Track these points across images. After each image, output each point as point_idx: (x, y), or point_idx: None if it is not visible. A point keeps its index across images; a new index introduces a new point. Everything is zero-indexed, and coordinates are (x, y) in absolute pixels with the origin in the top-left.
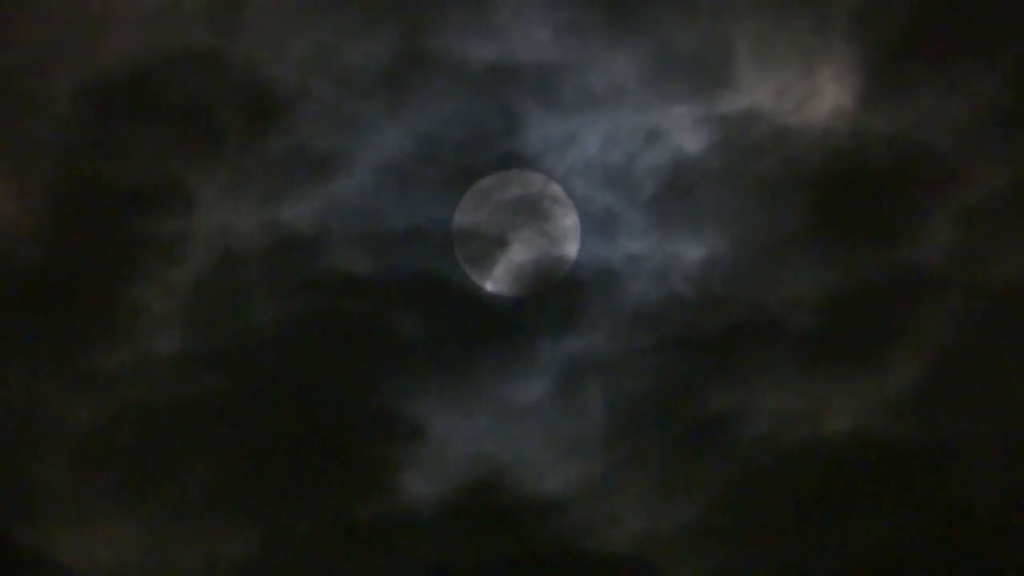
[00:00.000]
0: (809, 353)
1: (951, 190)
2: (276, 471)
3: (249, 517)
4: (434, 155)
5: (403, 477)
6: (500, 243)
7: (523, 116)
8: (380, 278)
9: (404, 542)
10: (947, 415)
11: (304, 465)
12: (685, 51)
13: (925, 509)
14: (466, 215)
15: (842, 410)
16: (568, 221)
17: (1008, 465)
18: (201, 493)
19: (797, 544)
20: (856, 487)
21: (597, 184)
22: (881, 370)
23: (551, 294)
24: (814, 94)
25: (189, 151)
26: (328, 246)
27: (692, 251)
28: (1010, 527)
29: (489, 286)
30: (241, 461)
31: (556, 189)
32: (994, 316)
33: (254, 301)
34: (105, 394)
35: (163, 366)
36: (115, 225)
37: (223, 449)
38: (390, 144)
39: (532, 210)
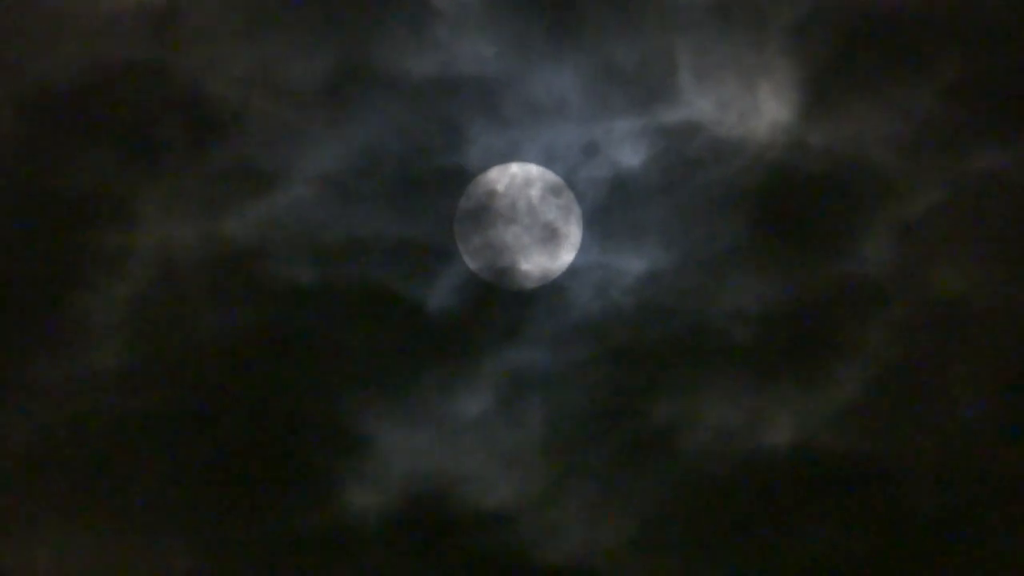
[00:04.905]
0: (751, 366)
1: (890, 204)
2: (220, 484)
3: (194, 530)
4: (376, 168)
5: (348, 490)
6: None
7: (465, 129)
8: (323, 291)
9: (349, 555)
10: (888, 428)
11: (248, 478)
12: (627, 65)
13: (866, 521)
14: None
15: (784, 423)
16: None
17: (948, 478)
18: (145, 506)
19: (739, 556)
20: (798, 500)
21: (539, 197)
22: (822, 383)
23: (495, 307)
24: (754, 108)
25: (131, 164)
26: (271, 259)
27: (634, 264)
28: (951, 541)
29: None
30: (185, 474)
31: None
32: (934, 329)
33: (196, 314)
34: (47, 407)
35: (105, 379)
36: (56, 238)
37: (167, 462)
38: (332, 158)
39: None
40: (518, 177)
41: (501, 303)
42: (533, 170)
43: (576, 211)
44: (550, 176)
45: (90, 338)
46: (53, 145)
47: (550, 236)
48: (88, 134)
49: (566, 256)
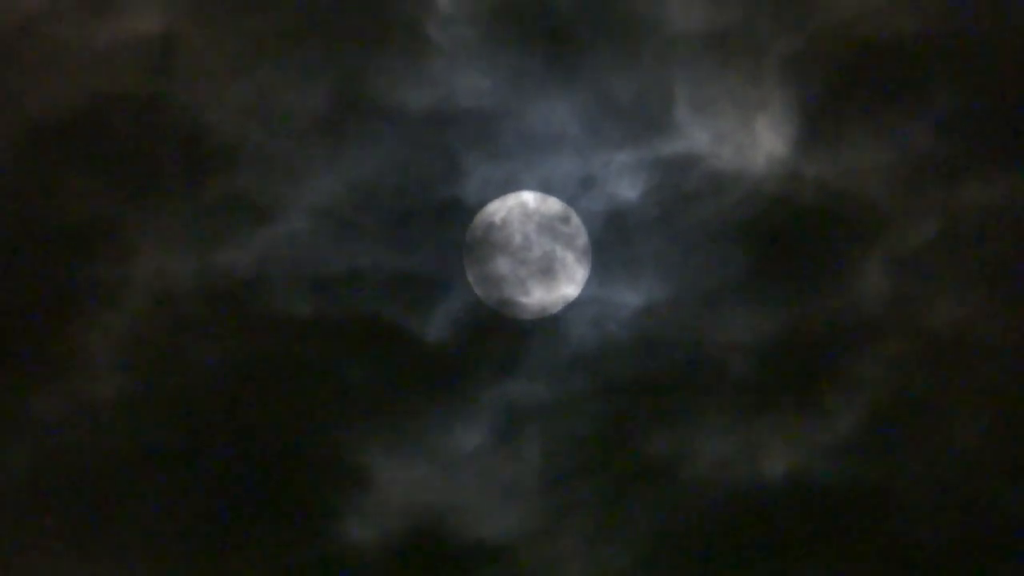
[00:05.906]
0: (747, 398)
1: (887, 237)
2: (217, 516)
3: (191, 562)
4: (373, 200)
5: (345, 522)
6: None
7: (462, 162)
8: (320, 324)
9: None
10: (885, 460)
11: (245, 510)
12: (624, 98)
13: (863, 553)
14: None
15: (781, 455)
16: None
17: (944, 509)
18: (141, 539)
19: None
20: (795, 531)
21: (536, 230)
22: (819, 415)
23: (493, 339)
24: (751, 141)
25: (127, 196)
26: (268, 291)
27: (630, 297)
28: (948, 573)
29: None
30: (182, 506)
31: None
32: (930, 362)
33: (193, 346)
34: (43, 438)
35: (102, 410)
36: (52, 269)
37: (164, 494)
38: (329, 190)
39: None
40: (517, 209)
41: (500, 335)
42: (533, 201)
43: (578, 243)
44: (551, 207)
45: (86, 370)
46: (49, 176)
47: (549, 268)
48: (84, 166)
49: (565, 289)
